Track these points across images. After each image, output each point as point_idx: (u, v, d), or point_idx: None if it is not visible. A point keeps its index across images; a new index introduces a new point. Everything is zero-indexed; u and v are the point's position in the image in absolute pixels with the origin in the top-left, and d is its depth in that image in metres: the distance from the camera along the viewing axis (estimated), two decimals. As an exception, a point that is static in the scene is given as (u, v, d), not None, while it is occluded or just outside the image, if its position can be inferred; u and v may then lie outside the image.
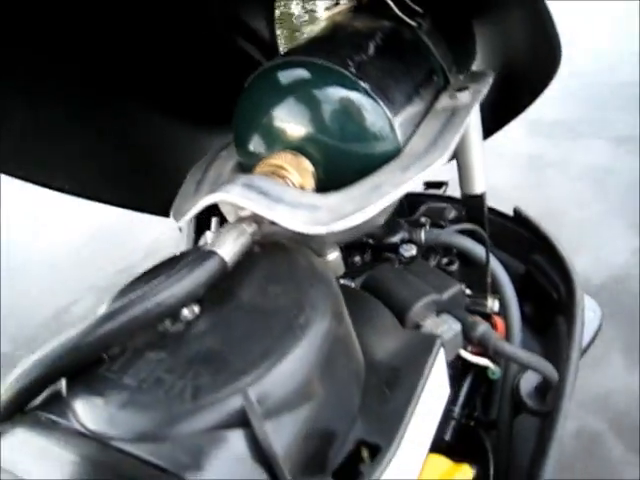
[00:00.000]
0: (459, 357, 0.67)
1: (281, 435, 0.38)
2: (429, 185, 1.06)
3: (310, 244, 0.56)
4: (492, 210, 0.89)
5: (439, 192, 1.02)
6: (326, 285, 0.48)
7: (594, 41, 3.17)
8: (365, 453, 0.44)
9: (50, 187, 0.70)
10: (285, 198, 0.52)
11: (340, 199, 0.53)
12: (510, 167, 2.28)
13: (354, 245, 0.71)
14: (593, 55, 3.01)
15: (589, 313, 0.78)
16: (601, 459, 1.24)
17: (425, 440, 0.51)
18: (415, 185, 0.52)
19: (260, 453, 0.36)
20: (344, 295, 0.53)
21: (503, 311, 0.70)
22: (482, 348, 0.59)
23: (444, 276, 0.61)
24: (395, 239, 0.69)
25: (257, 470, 0.36)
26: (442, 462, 0.56)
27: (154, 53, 0.78)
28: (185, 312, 0.44)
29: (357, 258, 0.70)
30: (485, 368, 0.71)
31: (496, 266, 0.70)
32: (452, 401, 0.71)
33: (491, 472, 0.68)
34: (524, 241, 0.86)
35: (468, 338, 0.59)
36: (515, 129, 2.40)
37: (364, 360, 0.51)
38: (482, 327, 0.58)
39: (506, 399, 0.68)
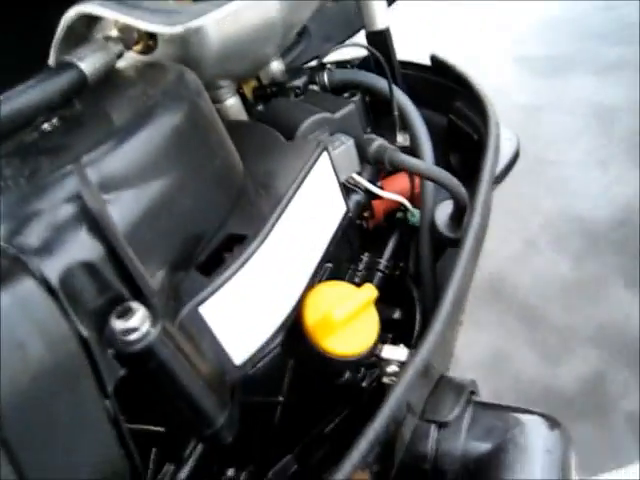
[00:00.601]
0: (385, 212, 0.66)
1: (124, 212, 0.36)
2: None
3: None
4: (409, 63, 0.85)
5: None
6: (189, 90, 0.46)
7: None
8: (234, 247, 0.44)
9: None
10: (146, 4, 0.50)
11: (204, 5, 0.51)
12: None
13: (256, 95, 0.69)
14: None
15: (505, 142, 0.76)
16: (602, 392, 1.23)
17: (309, 246, 0.50)
18: None
19: (99, 233, 0.34)
20: (235, 128, 0.52)
21: (414, 145, 0.68)
22: (380, 165, 0.58)
23: (337, 98, 0.59)
24: (297, 83, 0.67)
25: (98, 249, 0.34)
26: (343, 285, 0.54)
27: None
28: (44, 125, 0.43)
29: (260, 107, 0.67)
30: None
31: (402, 98, 0.67)
32: (378, 255, 0.70)
33: (417, 318, 0.67)
34: (445, 90, 0.83)
35: (365, 157, 0.58)
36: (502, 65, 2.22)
37: (248, 177, 0.49)
38: (377, 141, 0.57)
39: (425, 237, 0.67)
